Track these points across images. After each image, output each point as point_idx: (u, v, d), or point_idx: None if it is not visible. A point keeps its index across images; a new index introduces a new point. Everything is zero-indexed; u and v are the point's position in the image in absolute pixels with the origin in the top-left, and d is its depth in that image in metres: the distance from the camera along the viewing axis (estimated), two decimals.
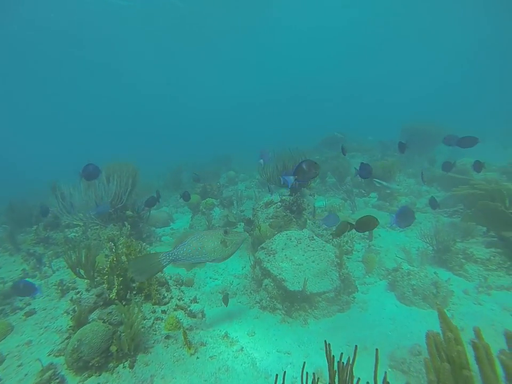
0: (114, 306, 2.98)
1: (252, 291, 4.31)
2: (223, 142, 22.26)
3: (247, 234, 3.59)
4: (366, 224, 2.98)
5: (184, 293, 4.17)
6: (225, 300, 3.84)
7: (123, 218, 6.04)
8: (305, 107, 43.74)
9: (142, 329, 3.03)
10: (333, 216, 4.43)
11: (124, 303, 3.33)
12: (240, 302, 4.19)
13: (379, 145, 12.66)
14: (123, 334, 2.73)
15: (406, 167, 8.62)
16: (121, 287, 3.33)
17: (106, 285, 3.17)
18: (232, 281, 4.81)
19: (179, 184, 12.70)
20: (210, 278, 5.09)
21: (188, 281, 4.73)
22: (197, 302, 3.99)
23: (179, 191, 11.71)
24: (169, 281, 4.48)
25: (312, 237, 4.17)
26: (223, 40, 31.93)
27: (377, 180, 6.87)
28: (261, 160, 5.25)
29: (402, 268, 3.90)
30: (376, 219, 3.00)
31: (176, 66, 37.82)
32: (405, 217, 3.13)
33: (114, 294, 3.07)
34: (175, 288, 4.09)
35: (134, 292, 3.60)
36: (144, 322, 3.19)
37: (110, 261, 3.30)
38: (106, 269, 3.21)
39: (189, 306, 3.72)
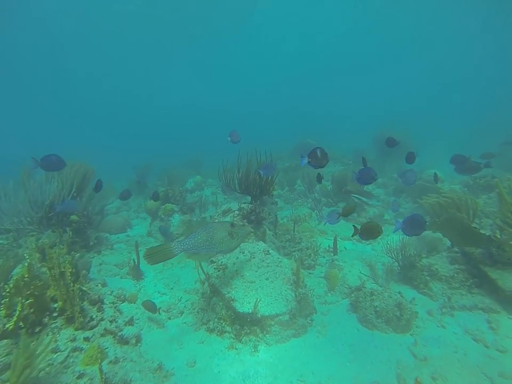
0: (6, 341, 2.36)
1: (200, 310, 3.81)
2: (196, 145, 21.64)
3: (250, 227, 3.37)
4: (371, 231, 2.91)
5: (121, 313, 3.59)
6: (150, 307, 3.39)
7: (66, 223, 5.34)
8: (284, 113, 44.04)
9: (47, 368, 2.43)
10: (334, 214, 4.23)
11: (38, 329, 2.74)
12: (185, 323, 3.68)
13: (354, 153, 12.62)
14: None
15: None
16: (31, 310, 2.72)
17: (4, 311, 2.54)
18: (181, 297, 4.30)
19: (144, 186, 11.96)
20: (158, 293, 4.55)
21: (130, 297, 4.15)
22: (133, 325, 3.43)
23: (144, 194, 11.03)
24: (108, 296, 3.90)
25: (267, 251, 3.76)
26: (206, 43, 31.75)
27: (357, 196, 6.61)
28: (229, 138, 5.00)
29: (366, 287, 3.56)
30: (380, 226, 2.96)
31: (158, 65, 37.15)
32: (414, 224, 2.93)
33: (13, 323, 2.45)
34: (110, 307, 3.50)
35: (55, 314, 3.00)
36: (55, 356, 2.57)
37: (16, 279, 2.70)
38: (7, 290, 2.59)
39: (121, 330, 3.15)
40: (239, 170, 5.09)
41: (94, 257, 5.57)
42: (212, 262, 3.86)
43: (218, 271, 3.66)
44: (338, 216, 3.71)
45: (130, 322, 3.35)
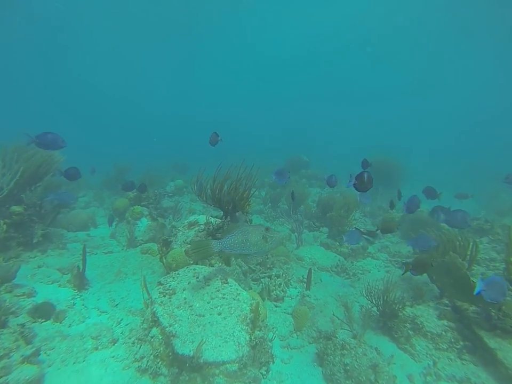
0: None
1: (136, 340, 3.12)
2: (188, 149, 21.16)
3: (285, 233, 3.17)
4: (424, 266, 2.86)
5: (29, 341, 2.77)
6: (45, 311, 2.86)
7: (5, 215, 4.62)
8: (281, 128, 44.20)
9: None
10: (357, 233, 4.00)
11: None
12: (113, 357, 2.98)
13: (347, 176, 12.19)
14: None
15: (364, 204, 8.01)
16: None
17: None
18: (122, 319, 3.60)
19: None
20: (97, 310, 3.83)
21: (58, 314, 3.42)
22: (33, 362, 2.57)
23: (120, 192, 10.32)
24: (23, 311, 3.18)
25: (226, 279, 3.13)
26: (196, 49, 32.19)
27: (365, 236, 6.15)
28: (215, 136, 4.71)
29: (336, 337, 2.95)
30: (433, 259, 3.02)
31: (156, 67, 37.28)
32: (495, 288, 2.59)
33: None
34: (13, 332, 2.67)
35: None
36: None
37: None
38: None
39: (7, 374, 2.30)
40: (215, 181, 4.51)
41: (35, 257, 4.82)
42: (160, 283, 3.21)
43: (164, 296, 3.01)
44: (376, 230, 3.55)
45: (32, 357, 2.56)
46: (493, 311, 2.88)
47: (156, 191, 8.12)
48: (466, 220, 3.38)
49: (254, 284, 4.43)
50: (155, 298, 3.03)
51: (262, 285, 4.16)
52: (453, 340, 3.12)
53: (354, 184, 3.03)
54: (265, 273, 4.48)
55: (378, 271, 5.15)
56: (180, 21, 25.73)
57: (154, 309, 2.93)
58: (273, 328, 3.50)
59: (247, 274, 4.26)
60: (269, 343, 2.92)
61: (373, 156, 11.63)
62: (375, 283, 3.82)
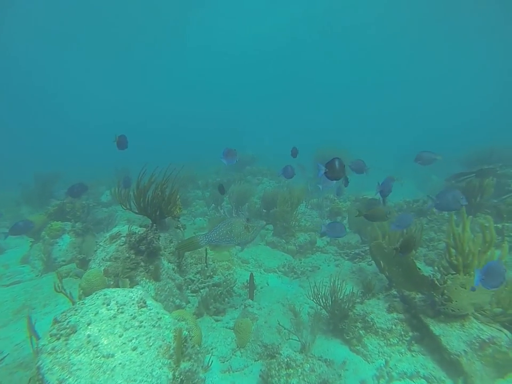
0: None
1: None
2: (131, 154, 19.64)
3: (264, 222, 3.28)
4: (411, 244, 2.77)
5: None
6: None
7: None
8: (221, 124, 43.85)
9: None
10: (339, 226, 3.61)
11: None
12: None
13: (298, 169, 12.09)
14: None
15: (310, 196, 7.87)
16: None
17: None
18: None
19: (48, 198, 9.77)
20: None
21: None
22: None
23: (44, 207, 8.95)
24: None
25: (144, 301, 2.52)
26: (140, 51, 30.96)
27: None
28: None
29: (281, 354, 2.53)
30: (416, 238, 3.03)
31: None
32: (493, 275, 2.30)
33: None
34: None
35: None
36: None
37: None
38: None
39: None
40: (138, 187, 3.87)
41: None
42: (55, 321, 2.47)
43: (58, 339, 2.27)
44: (357, 215, 3.33)
45: None
46: (437, 296, 2.72)
47: (83, 202, 7.08)
48: (459, 199, 2.84)
49: (193, 296, 3.88)
50: (43, 345, 2.25)
51: (200, 298, 3.63)
52: (402, 333, 2.92)
53: (325, 172, 2.83)
54: (205, 283, 3.96)
55: (328, 265, 4.92)
56: (120, 21, 24.15)
57: (40, 361, 2.16)
58: (211, 349, 3.00)
59: (182, 288, 3.68)
60: (201, 375, 2.40)
61: (318, 148, 11.76)
62: (324, 280, 3.52)
